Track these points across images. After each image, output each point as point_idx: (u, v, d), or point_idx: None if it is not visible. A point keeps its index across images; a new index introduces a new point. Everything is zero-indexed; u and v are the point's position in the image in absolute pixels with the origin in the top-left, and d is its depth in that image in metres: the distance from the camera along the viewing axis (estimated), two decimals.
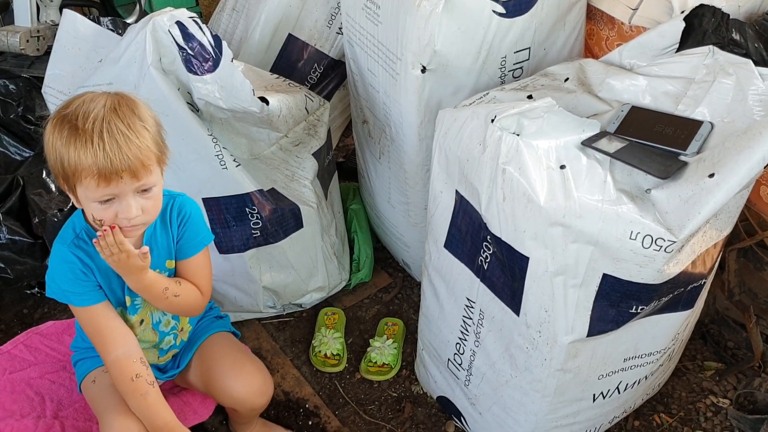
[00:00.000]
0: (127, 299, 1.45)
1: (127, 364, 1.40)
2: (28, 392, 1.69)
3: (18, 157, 2.27)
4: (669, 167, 1.37)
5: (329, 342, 2.06)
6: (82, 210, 1.37)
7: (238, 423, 1.76)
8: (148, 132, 1.26)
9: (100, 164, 1.19)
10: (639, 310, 1.44)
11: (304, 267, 2.07)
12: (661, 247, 1.31)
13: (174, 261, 1.47)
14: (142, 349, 1.46)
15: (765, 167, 1.31)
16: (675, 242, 1.30)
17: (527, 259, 1.42)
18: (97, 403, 1.50)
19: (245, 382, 1.56)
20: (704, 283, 1.53)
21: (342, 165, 2.61)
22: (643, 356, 1.60)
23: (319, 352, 2.06)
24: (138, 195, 1.27)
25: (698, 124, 1.45)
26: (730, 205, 1.42)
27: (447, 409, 1.90)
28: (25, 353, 1.77)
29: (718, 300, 2.04)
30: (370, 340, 2.08)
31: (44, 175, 2.17)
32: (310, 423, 1.87)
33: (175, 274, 1.49)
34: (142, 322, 1.50)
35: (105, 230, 1.25)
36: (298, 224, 1.97)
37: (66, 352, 1.74)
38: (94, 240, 1.27)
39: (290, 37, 2.23)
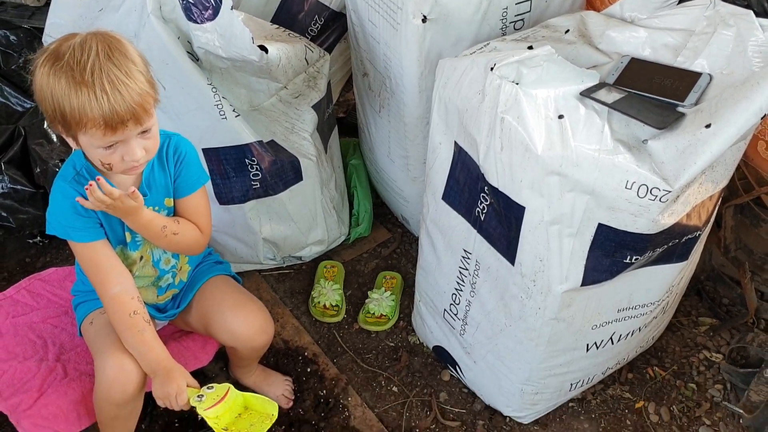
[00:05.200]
0: (128, 235, 1.47)
1: (124, 300, 1.42)
2: (30, 336, 1.72)
3: (19, 108, 2.28)
4: (666, 118, 1.38)
5: (328, 293, 2.09)
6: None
7: (238, 367, 1.79)
8: (142, 75, 1.28)
9: (107, 115, 1.22)
10: (633, 261, 1.45)
11: (303, 220, 2.08)
12: (656, 196, 1.32)
13: (173, 199, 1.49)
14: (140, 286, 1.49)
15: (762, 120, 1.31)
16: (670, 192, 1.31)
17: (523, 208, 1.44)
18: (93, 343, 1.52)
19: (247, 320, 1.59)
20: (699, 235, 1.54)
21: (342, 120, 2.61)
22: (637, 307, 1.62)
23: (318, 303, 2.08)
24: (139, 137, 1.30)
25: (697, 75, 1.45)
26: (726, 157, 1.43)
27: (442, 358, 1.93)
28: (27, 298, 1.80)
29: (714, 256, 2.05)
30: (369, 293, 2.11)
31: (45, 125, 2.18)
32: (308, 370, 1.91)
33: (174, 213, 1.51)
34: (141, 258, 1.53)
35: (90, 186, 1.28)
36: (298, 177, 1.98)
37: (67, 298, 1.77)
38: (78, 199, 1.31)
39: None
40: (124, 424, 1.55)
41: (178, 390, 1.41)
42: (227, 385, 1.46)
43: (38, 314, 1.77)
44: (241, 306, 1.61)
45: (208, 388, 1.44)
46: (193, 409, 1.43)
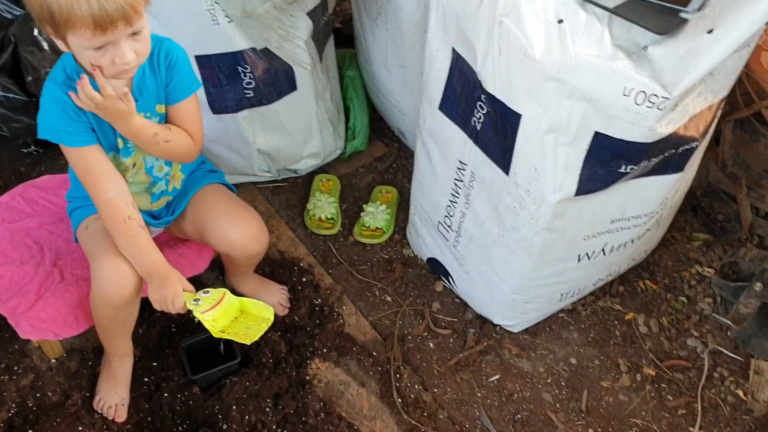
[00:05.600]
0: (120, 141, 1.46)
1: (118, 205, 1.42)
2: (27, 241, 1.73)
3: (8, 15, 2.21)
4: (668, 23, 1.33)
5: (324, 206, 2.09)
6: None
7: (234, 275, 1.81)
8: None
9: (96, 14, 1.18)
10: (628, 170, 1.45)
11: (298, 131, 2.06)
12: (654, 104, 1.30)
13: (164, 106, 1.47)
14: (134, 192, 1.48)
15: (767, 28, 1.28)
16: (668, 99, 1.29)
17: (520, 116, 1.42)
18: (89, 248, 1.53)
19: (241, 227, 1.59)
20: (696, 146, 1.53)
21: (339, 31, 2.54)
22: (630, 219, 1.62)
23: (314, 215, 2.09)
24: (129, 39, 1.27)
25: None
26: (727, 66, 1.40)
27: (436, 269, 1.95)
28: (22, 205, 1.80)
29: (711, 172, 2.04)
30: (364, 206, 2.11)
31: (36, 33, 2.13)
32: (304, 280, 1.93)
33: (166, 120, 1.49)
34: (134, 165, 1.52)
35: (81, 82, 1.25)
36: (292, 86, 1.95)
37: (62, 205, 1.76)
38: (70, 93, 1.28)
39: None
40: (121, 327, 1.58)
41: (174, 294, 1.43)
42: (223, 289, 1.48)
43: (34, 220, 1.78)
44: (236, 213, 1.61)
45: (204, 292, 1.46)
46: (189, 313, 1.45)
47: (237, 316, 1.50)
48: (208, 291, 1.47)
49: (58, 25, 1.22)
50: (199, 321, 1.45)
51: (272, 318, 1.48)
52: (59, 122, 1.37)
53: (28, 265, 1.67)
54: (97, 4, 1.18)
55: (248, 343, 1.46)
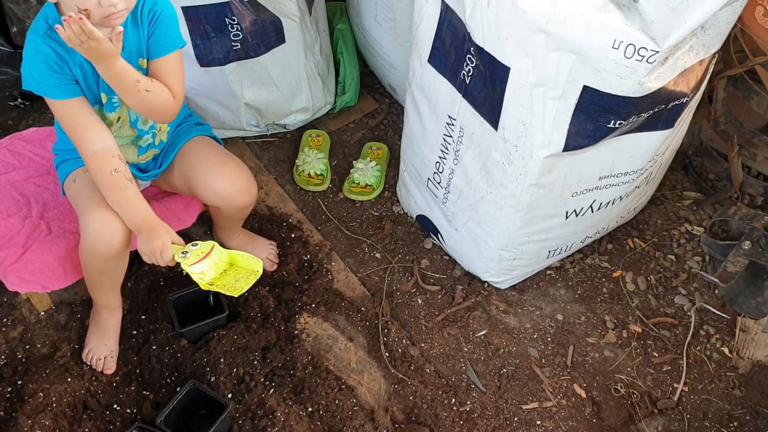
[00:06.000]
0: (103, 96, 1.44)
1: (105, 158, 1.41)
2: (13, 194, 1.72)
3: None
4: None
5: (313, 162, 2.08)
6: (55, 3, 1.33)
7: (222, 228, 1.80)
8: None
9: None
10: (617, 125, 1.43)
11: (286, 85, 2.04)
12: (644, 57, 1.28)
13: (146, 60, 1.44)
14: (120, 145, 1.47)
15: None
16: (658, 52, 1.27)
17: (508, 69, 1.40)
18: (77, 200, 1.52)
19: (230, 179, 1.59)
20: (687, 101, 1.51)
21: None
22: (619, 175, 1.61)
23: (303, 171, 2.08)
24: None
25: None
26: (719, 19, 1.37)
27: (425, 226, 1.95)
28: (8, 157, 1.78)
29: (704, 131, 2.03)
30: (354, 162, 2.10)
31: None
32: (292, 236, 1.93)
33: (147, 75, 1.47)
34: (119, 119, 1.50)
35: (69, 17, 1.21)
36: (280, 38, 1.92)
37: (49, 158, 1.75)
38: (56, 26, 1.23)
39: None
40: (110, 280, 1.58)
41: (162, 246, 1.42)
42: (212, 242, 1.47)
43: (20, 173, 1.77)
44: (224, 165, 1.60)
45: (192, 245, 1.45)
46: (178, 266, 1.45)
47: (226, 268, 1.50)
48: (196, 244, 1.46)
49: None
50: (187, 273, 1.45)
51: (261, 271, 1.48)
52: (42, 74, 1.35)
53: (15, 217, 1.67)
54: None
55: (236, 296, 1.46)
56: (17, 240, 1.61)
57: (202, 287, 1.46)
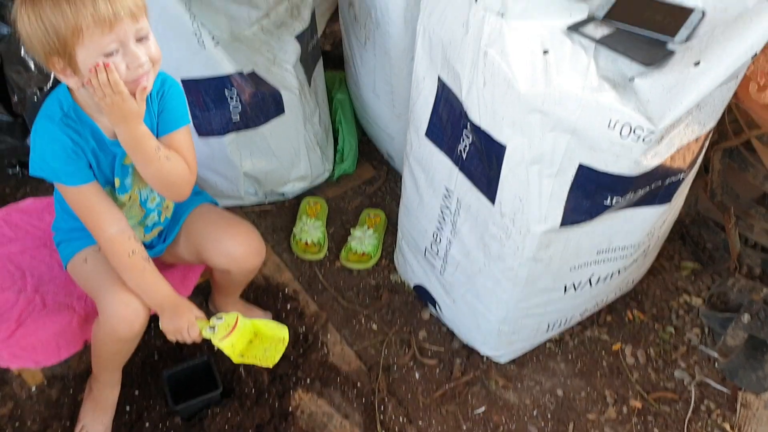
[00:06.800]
0: (116, 180, 1.44)
1: (122, 240, 1.40)
2: (8, 267, 1.70)
3: None
4: (655, 54, 1.33)
5: (310, 230, 2.07)
6: (68, 88, 1.33)
7: (223, 296, 1.78)
8: None
9: (101, 8, 1.18)
10: (614, 202, 1.43)
11: (285, 155, 2.05)
12: (639, 137, 1.29)
13: (156, 137, 1.44)
14: None
15: (754, 60, 1.27)
16: (653, 132, 1.27)
17: (504, 147, 1.41)
18: (92, 282, 1.50)
19: (243, 240, 1.58)
20: (683, 178, 1.52)
21: (329, 54, 2.54)
22: (617, 250, 1.61)
23: (300, 239, 2.07)
24: (139, 43, 1.25)
25: (689, 11, 1.39)
26: (714, 98, 1.39)
27: (423, 296, 1.93)
28: (5, 229, 1.77)
29: (701, 201, 2.03)
30: (351, 230, 2.09)
31: (23, 52, 2.11)
32: (288, 307, 1.91)
33: None
34: (129, 198, 1.50)
35: (97, 65, 1.20)
36: (279, 110, 1.94)
37: (46, 230, 1.75)
38: (86, 81, 1.23)
39: None
40: (122, 359, 1.57)
41: (189, 323, 1.41)
42: (235, 313, 1.46)
43: (16, 245, 1.75)
44: (235, 227, 1.60)
45: (217, 318, 1.44)
46: (204, 341, 1.44)
47: (251, 338, 1.48)
48: (221, 316, 1.44)
49: (66, 42, 1.20)
50: (211, 346, 1.43)
51: (287, 338, 1.46)
52: (57, 161, 1.33)
53: (9, 291, 1.65)
54: (102, 2, 1.18)
55: (270, 366, 1.46)
56: (11, 315, 1.59)
57: (234, 360, 1.44)
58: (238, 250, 1.57)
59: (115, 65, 1.22)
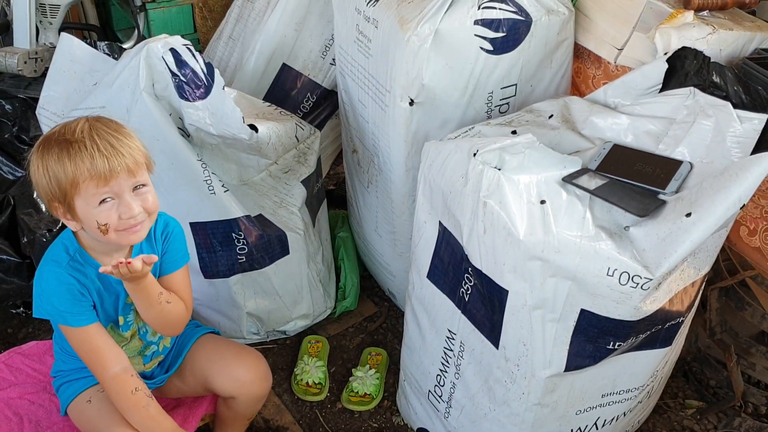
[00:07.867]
0: (120, 319, 1.47)
1: (125, 378, 1.41)
2: (6, 412, 1.68)
3: (11, 177, 2.29)
4: (648, 205, 1.39)
5: (311, 370, 2.06)
6: (73, 232, 1.39)
7: (225, 428, 1.75)
8: (134, 138, 1.34)
9: (98, 164, 1.26)
10: (616, 347, 1.45)
11: (289, 294, 2.07)
12: (638, 284, 1.32)
13: (156, 278, 1.48)
14: (128, 357, 1.48)
15: (741, 208, 1.33)
16: (651, 280, 1.31)
17: (506, 292, 1.44)
18: (95, 423, 1.49)
19: (251, 365, 1.60)
20: (682, 321, 1.54)
21: (332, 193, 2.63)
22: (622, 392, 1.60)
23: (301, 380, 2.05)
24: (134, 194, 1.32)
25: (678, 163, 1.47)
26: (708, 244, 1.44)
27: None
28: (6, 373, 1.76)
29: (701, 338, 2.04)
30: (353, 370, 2.08)
31: (35, 195, 2.19)
32: None
33: None
34: (131, 334, 1.52)
35: (120, 263, 1.28)
36: (284, 251, 1.98)
37: (46, 373, 1.73)
38: (103, 269, 1.30)
39: (284, 67, 2.27)
40: None
41: None
42: None
43: (16, 390, 1.74)
44: (244, 353, 1.62)
45: None
46: None
47: None
48: None
49: (65, 191, 1.27)
50: None
51: None
52: (64, 303, 1.38)
53: None
54: (99, 155, 1.26)
55: None
56: None
57: None
58: (247, 375, 1.59)
59: (107, 214, 1.29)
